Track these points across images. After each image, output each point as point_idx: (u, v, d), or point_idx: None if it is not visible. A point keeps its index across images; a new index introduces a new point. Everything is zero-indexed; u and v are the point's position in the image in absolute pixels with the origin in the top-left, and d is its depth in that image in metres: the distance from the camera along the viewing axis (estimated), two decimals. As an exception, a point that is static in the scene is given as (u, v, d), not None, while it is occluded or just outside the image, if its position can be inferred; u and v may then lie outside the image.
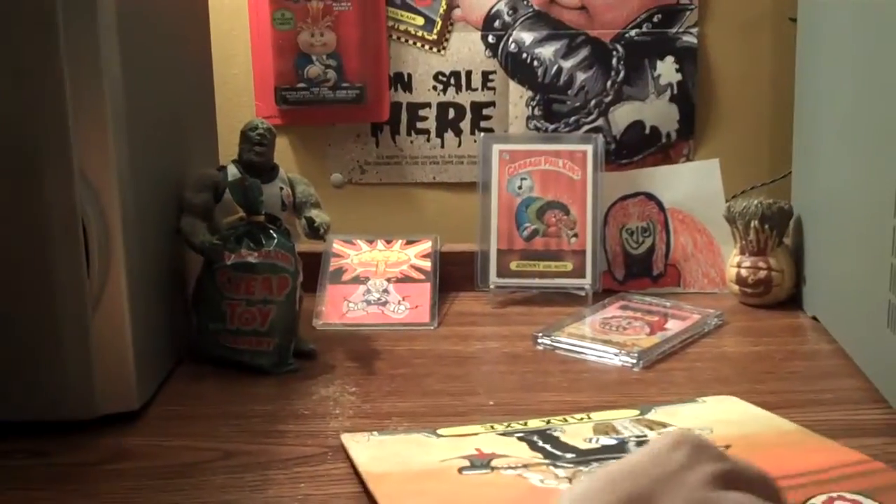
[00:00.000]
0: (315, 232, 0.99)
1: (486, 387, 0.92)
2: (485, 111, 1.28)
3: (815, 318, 1.07)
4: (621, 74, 1.26)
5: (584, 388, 0.91)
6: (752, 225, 1.12)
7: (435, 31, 1.26)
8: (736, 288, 1.14)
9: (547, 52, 1.26)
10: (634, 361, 0.96)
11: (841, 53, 0.97)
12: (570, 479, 0.69)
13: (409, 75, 1.27)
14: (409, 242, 1.23)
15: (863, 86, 0.90)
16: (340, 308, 1.13)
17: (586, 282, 1.17)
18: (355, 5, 1.22)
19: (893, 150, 0.82)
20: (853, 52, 0.93)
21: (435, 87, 1.28)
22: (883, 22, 0.84)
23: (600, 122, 1.27)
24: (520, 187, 1.20)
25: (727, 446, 0.73)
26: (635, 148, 1.28)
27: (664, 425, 0.79)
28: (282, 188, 1.01)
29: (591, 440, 0.76)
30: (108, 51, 0.78)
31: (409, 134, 1.29)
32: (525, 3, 1.25)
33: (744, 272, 1.13)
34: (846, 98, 0.96)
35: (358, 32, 1.24)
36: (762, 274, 1.12)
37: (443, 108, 1.28)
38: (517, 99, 1.27)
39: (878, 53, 0.85)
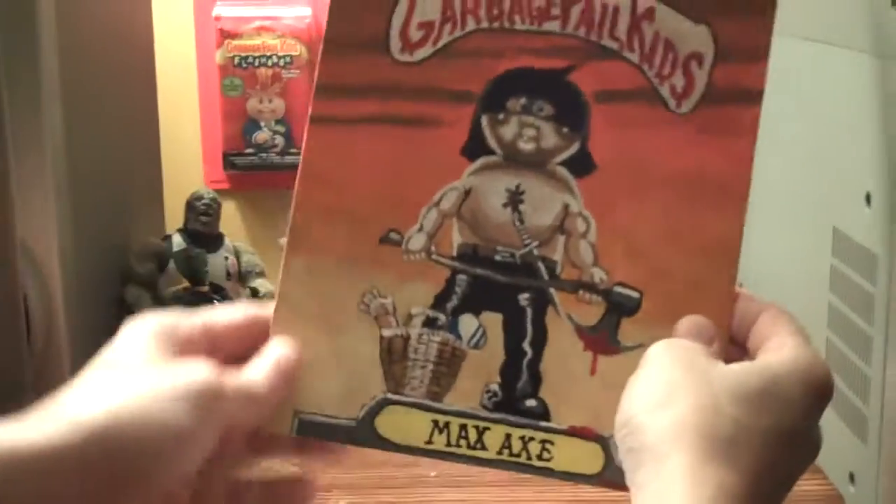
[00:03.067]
0: (260, 301, 0.99)
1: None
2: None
3: (755, 388, 1.08)
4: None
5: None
6: (693, 295, 1.13)
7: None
8: (678, 357, 1.15)
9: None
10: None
11: (776, 131, 1.00)
12: None
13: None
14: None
15: (797, 163, 0.93)
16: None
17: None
18: (304, 72, 1.23)
19: (827, 227, 0.84)
20: (787, 131, 0.96)
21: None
22: (813, 103, 0.87)
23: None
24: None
25: None
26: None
27: None
28: (227, 258, 1.01)
29: None
30: (51, 118, 0.78)
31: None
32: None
33: (686, 341, 1.14)
34: (782, 173, 0.98)
35: (307, 99, 1.24)
36: (704, 343, 1.13)
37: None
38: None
39: (810, 132, 0.88)
